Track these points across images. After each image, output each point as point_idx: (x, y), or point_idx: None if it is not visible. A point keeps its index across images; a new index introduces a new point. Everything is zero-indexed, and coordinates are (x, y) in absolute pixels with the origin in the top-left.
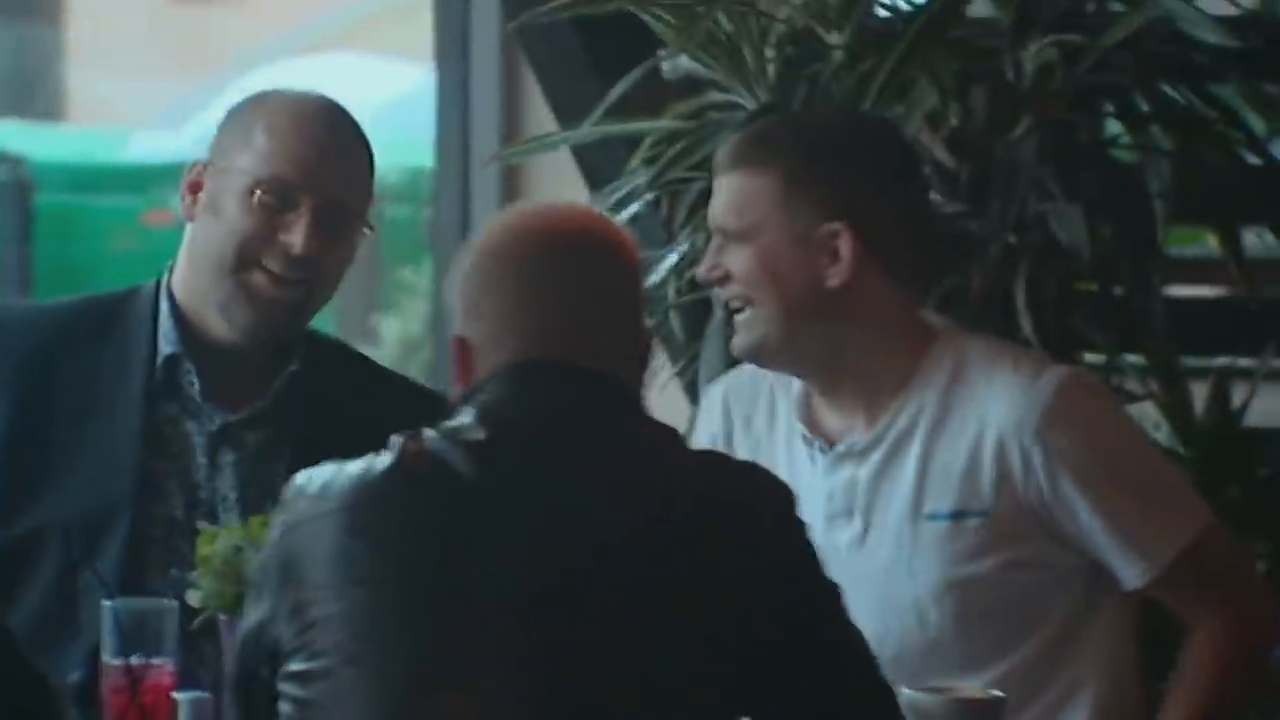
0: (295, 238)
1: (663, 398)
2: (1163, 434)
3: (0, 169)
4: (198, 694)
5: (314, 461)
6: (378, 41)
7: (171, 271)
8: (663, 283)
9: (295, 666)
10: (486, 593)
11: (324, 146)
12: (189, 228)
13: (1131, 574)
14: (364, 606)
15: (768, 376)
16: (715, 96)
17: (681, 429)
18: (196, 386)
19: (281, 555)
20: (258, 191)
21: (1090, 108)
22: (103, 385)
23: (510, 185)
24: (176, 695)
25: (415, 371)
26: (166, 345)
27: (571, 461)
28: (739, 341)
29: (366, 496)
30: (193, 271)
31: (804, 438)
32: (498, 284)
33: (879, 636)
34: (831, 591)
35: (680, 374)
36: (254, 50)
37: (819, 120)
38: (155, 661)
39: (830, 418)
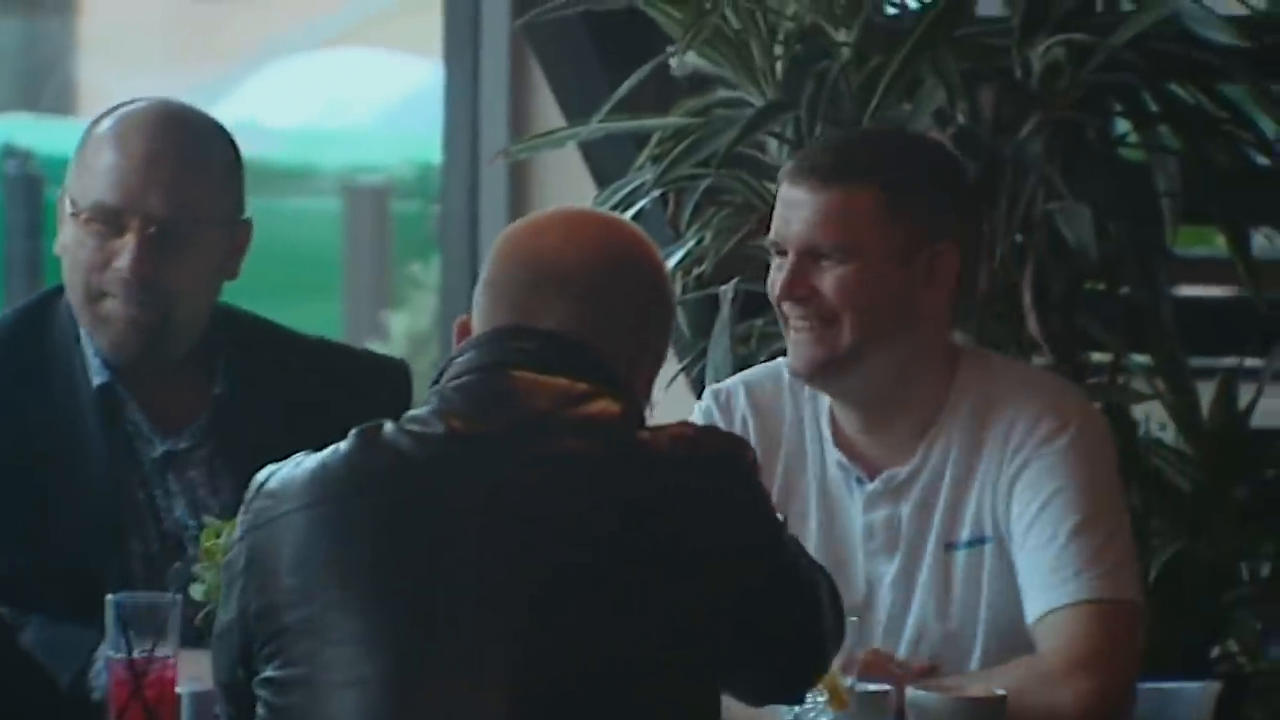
0: (124, 261)
1: (669, 395)
2: (1169, 434)
3: (10, 163)
4: (201, 687)
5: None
6: (390, 37)
7: (68, 302)
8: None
9: (270, 673)
10: (454, 585)
11: (147, 162)
12: (62, 259)
13: (1030, 608)
14: (332, 609)
15: (794, 390)
16: (723, 93)
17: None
18: (140, 415)
19: (246, 556)
20: (85, 219)
21: (1098, 107)
22: (59, 416)
23: (518, 181)
24: (180, 689)
25: (424, 367)
26: (96, 375)
27: (529, 440)
28: (804, 357)
29: (326, 493)
30: (72, 301)
31: (840, 465)
32: (503, 270)
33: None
34: (786, 538)
35: (687, 370)
36: (266, 45)
37: (910, 136)
38: (158, 655)
39: (865, 442)
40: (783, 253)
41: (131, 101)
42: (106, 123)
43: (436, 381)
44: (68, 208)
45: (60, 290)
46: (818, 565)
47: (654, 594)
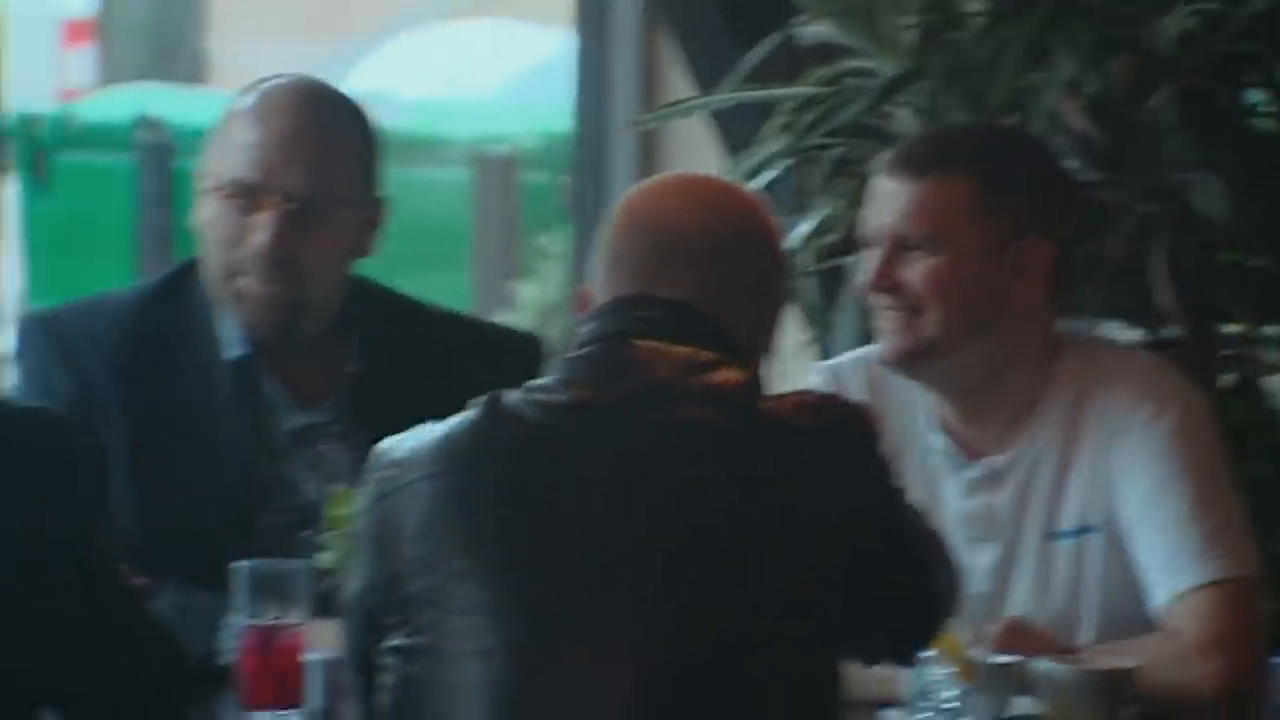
0: (261, 238)
1: (796, 365)
2: None
3: (143, 133)
4: (329, 655)
5: None
6: (518, 8)
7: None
8: (799, 249)
9: (397, 641)
10: (578, 554)
11: (288, 140)
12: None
13: (1154, 595)
14: (457, 579)
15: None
16: (852, 63)
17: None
18: (277, 389)
19: (373, 527)
20: (224, 194)
21: (1231, 77)
22: (196, 387)
23: (648, 151)
24: (308, 656)
25: (553, 336)
26: (234, 348)
27: (654, 410)
28: (893, 346)
29: (451, 462)
30: (209, 276)
31: (943, 450)
32: (627, 236)
33: None
34: (915, 519)
35: (815, 341)
36: (397, 16)
37: (1003, 130)
38: (286, 622)
39: (964, 429)
40: (874, 244)
41: (272, 77)
42: (248, 99)
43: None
44: (207, 182)
45: (198, 262)
46: (934, 530)
47: (774, 560)
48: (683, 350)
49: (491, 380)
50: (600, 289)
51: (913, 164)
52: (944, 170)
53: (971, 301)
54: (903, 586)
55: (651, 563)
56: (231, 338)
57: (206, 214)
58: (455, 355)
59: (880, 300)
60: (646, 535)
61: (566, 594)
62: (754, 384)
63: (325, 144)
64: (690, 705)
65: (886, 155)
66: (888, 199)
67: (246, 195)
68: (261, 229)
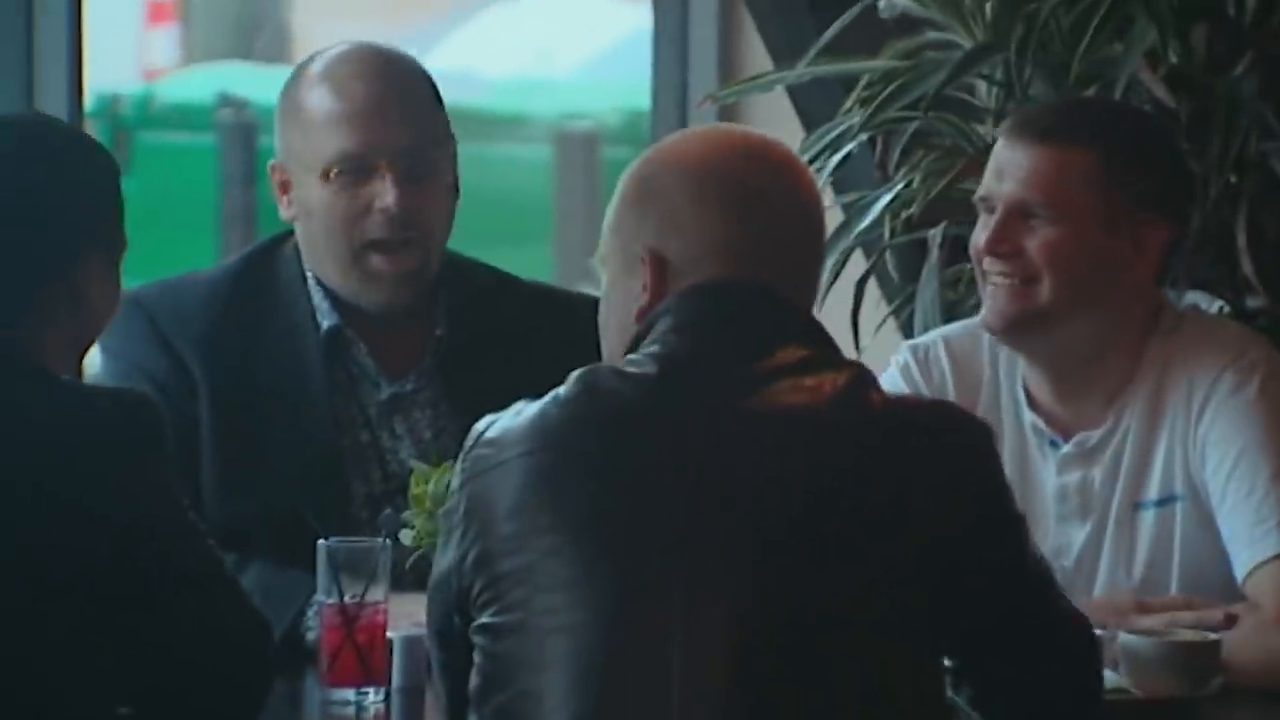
0: (388, 200)
1: (878, 339)
2: None
3: (225, 112)
4: (413, 632)
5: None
6: None
7: (295, 248)
8: (878, 222)
9: (486, 619)
10: (671, 533)
11: (377, 101)
12: (297, 226)
13: (1238, 564)
14: (549, 557)
15: (992, 349)
16: (931, 35)
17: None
18: (369, 359)
19: (465, 504)
20: (332, 173)
21: None
22: (284, 361)
23: None
24: (391, 634)
25: None
26: (325, 319)
27: (749, 396)
28: (1003, 310)
29: (544, 441)
30: (317, 264)
31: (1034, 428)
32: (702, 203)
33: None
34: (1022, 524)
35: (896, 314)
36: None
37: (1128, 106)
38: (369, 600)
39: (1058, 406)
40: (991, 210)
41: (311, 59)
42: (311, 77)
43: (650, 329)
44: (303, 170)
45: (286, 236)
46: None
47: (878, 545)
48: (786, 352)
49: (575, 347)
50: (681, 257)
51: (1036, 132)
52: (1068, 140)
53: (1085, 274)
54: (1021, 625)
55: (739, 544)
56: (323, 309)
57: (313, 199)
58: (539, 323)
59: (992, 266)
60: (736, 517)
61: (656, 571)
62: (861, 376)
63: (406, 94)
64: (774, 686)
65: (1008, 122)
66: (1010, 165)
67: (356, 166)
68: (385, 193)
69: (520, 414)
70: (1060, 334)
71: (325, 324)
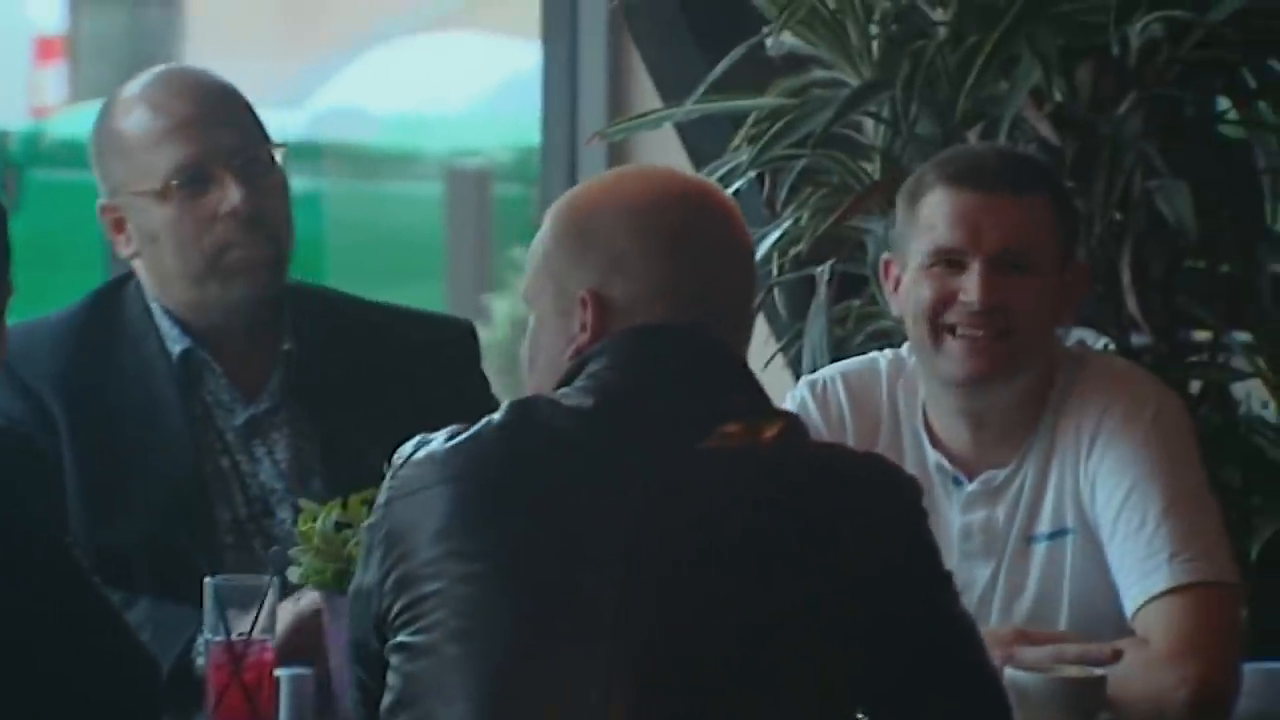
0: (234, 201)
1: (766, 375)
2: (1270, 412)
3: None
4: (299, 670)
5: (344, 434)
6: (491, 21)
7: (137, 284)
8: (765, 259)
9: (403, 638)
10: (590, 567)
11: (198, 111)
12: (137, 263)
13: (1127, 599)
14: (468, 582)
15: (890, 385)
16: (818, 74)
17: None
18: (221, 383)
19: (388, 525)
20: (171, 188)
21: (1197, 84)
22: (140, 393)
23: (617, 162)
24: (278, 672)
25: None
26: (175, 344)
27: (685, 435)
28: (977, 365)
29: (472, 467)
30: (165, 290)
31: (938, 466)
32: (646, 245)
33: None
34: (948, 581)
35: (784, 350)
36: (369, 31)
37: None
38: (256, 638)
39: (962, 444)
40: (953, 263)
41: (116, 93)
42: (124, 105)
43: (582, 367)
44: (138, 196)
45: (126, 278)
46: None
47: (793, 595)
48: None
49: (427, 364)
50: (622, 296)
51: (1008, 182)
52: (1032, 188)
53: (1048, 323)
54: (944, 669)
55: (660, 580)
56: (172, 336)
57: (155, 222)
58: (389, 340)
59: (971, 320)
60: (669, 553)
61: (581, 604)
62: (795, 423)
63: (224, 101)
64: None
65: (952, 170)
66: (985, 217)
67: (192, 179)
68: (228, 195)
69: (451, 438)
70: (1017, 383)
71: (176, 349)
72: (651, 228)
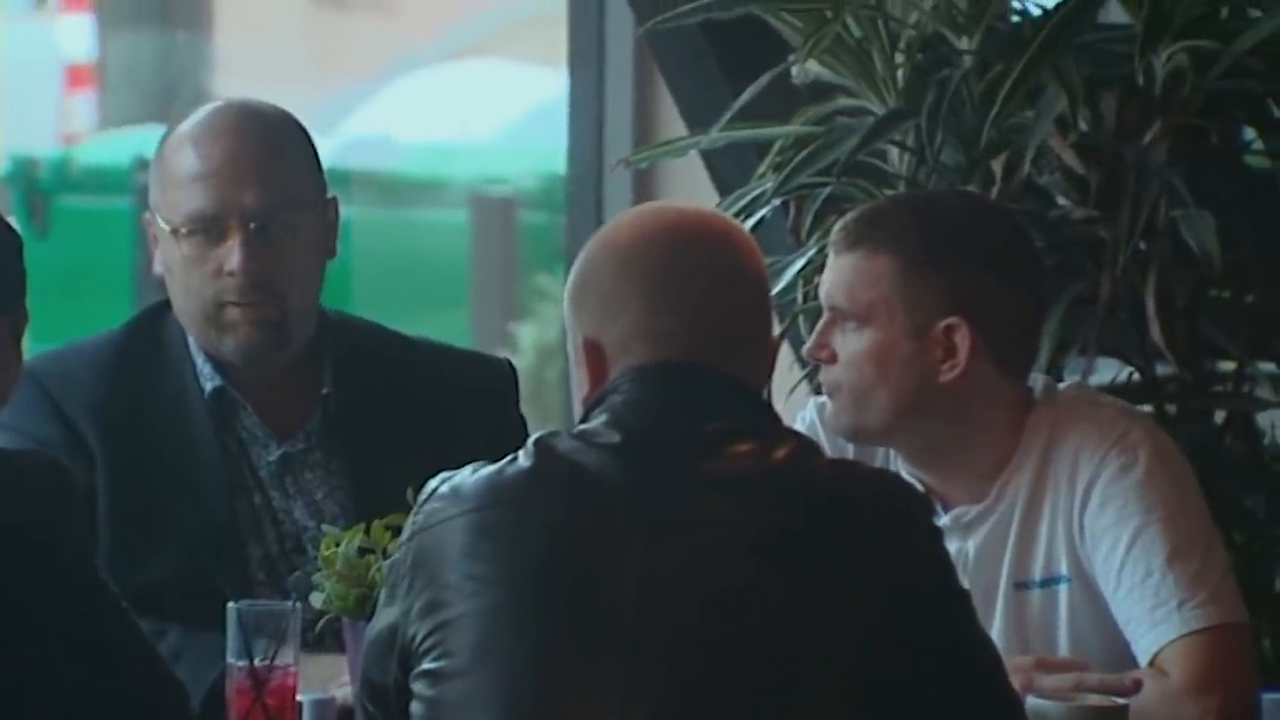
0: (233, 263)
1: (791, 402)
2: None
3: (142, 176)
4: (322, 695)
5: (379, 474)
6: (518, 49)
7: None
8: (790, 288)
9: (427, 665)
10: (615, 596)
11: (229, 162)
12: (166, 280)
13: (1140, 649)
14: (494, 607)
15: None
16: (844, 102)
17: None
18: (254, 420)
19: (413, 556)
20: (182, 232)
21: (1222, 114)
22: (175, 426)
23: (642, 190)
24: (301, 697)
25: (552, 377)
26: (208, 381)
27: (705, 467)
28: (838, 424)
29: (498, 498)
30: (182, 321)
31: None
32: (629, 286)
33: None
34: (964, 600)
35: (809, 378)
36: (396, 59)
37: (939, 204)
38: (279, 663)
39: (933, 481)
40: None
41: (186, 116)
42: (175, 137)
43: (601, 400)
44: (162, 226)
45: (166, 304)
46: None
47: (816, 620)
48: (737, 404)
49: (466, 403)
50: (629, 333)
51: (846, 236)
52: (870, 246)
53: (897, 382)
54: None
55: (684, 609)
56: (205, 373)
57: (170, 259)
58: (427, 379)
59: (821, 374)
60: (683, 583)
61: (595, 639)
62: (807, 444)
63: (265, 154)
64: None
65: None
66: (828, 269)
67: (205, 226)
68: (232, 255)
69: (476, 472)
70: (901, 441)
71: (209, 386)
72: (630, 269)
